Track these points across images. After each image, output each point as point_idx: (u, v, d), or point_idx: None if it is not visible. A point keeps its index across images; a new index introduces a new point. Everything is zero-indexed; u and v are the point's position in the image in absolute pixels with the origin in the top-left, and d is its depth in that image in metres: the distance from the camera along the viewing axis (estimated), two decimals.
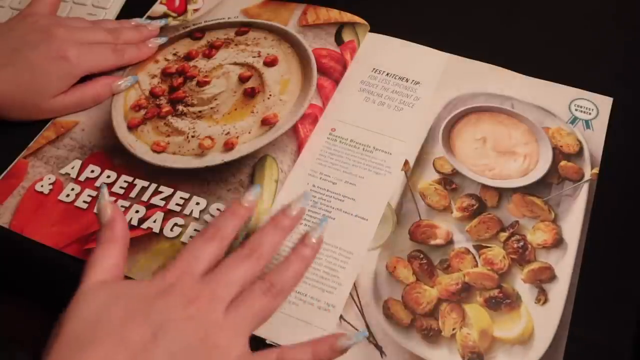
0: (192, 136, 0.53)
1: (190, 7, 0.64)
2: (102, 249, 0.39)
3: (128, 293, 0.36)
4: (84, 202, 0.50)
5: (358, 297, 0.45)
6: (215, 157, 0.51)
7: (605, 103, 0.53)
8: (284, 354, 0.37)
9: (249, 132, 0.52)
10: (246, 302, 0.37)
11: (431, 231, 0.47)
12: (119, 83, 0.57)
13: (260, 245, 0.39)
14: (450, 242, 0.47)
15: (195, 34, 0.61)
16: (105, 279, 0.38)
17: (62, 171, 0.52)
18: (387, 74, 0.56)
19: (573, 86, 0.54)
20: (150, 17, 0.63)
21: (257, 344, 0.43)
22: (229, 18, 0.62)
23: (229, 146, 0.52)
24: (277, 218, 0.42)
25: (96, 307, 0.35)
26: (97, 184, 0.51)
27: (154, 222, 0.48)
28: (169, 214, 0.48)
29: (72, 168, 0.52)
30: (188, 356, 0.34)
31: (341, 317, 0.44)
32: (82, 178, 0.51)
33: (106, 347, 0.33)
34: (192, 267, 0.38)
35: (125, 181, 0.51)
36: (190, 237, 0.46)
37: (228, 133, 0.53)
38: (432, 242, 0.47)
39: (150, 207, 0.49)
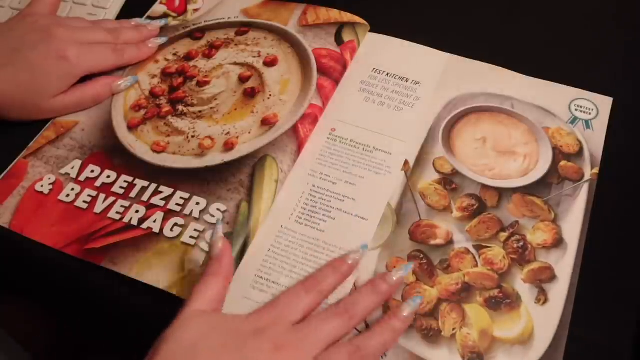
0: (192, 136, 0.53)
1: (190, 7, 0.64)
2: (207, 281, 0.40)
3: (225, 326, 0.38)
4: (84, 202, 0.50)
5: None
6: (215, 157, 0.51)
7: (605, 103, 0.53)
8: None
9: (249, 132, 0.52)
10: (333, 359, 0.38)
11: (431, 231, 0.47)
12: (119, 83, 0.57)
13: (355, 306, 0.40)
14: (450, 242, 0.47)
15: (195, 34, 0.61)
16: (205, 310, 0.39)
17: (62, 171, 0.52)
18: (387, 74, 0.56)
19: (573, 86, 0.54)
20: (150, 17, 0.63)
21: None
22: (229, 18, 0.62)
23: (229, 146, 0.52)
24: (376, 282, 0.42)
25: (194, 335, 0.37)
26: (97, 184, 0.51)
27: (154, 222, 0.48)
28: (169, 214, 0.48)
29: (72, 168, 0.52)
30: None
31: None
32: (82, 178, 0.51)
33: None
34: (287, 315, 0.39)
35: (125, 181, 0.51)
36: (191, 237, 0.46)
37: (228, 133, 0.53)
38: (432, 242, 0.47)
39: (150, 207, 0.49)
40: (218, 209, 0.48)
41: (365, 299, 0.41)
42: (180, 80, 0.57)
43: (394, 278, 0.43)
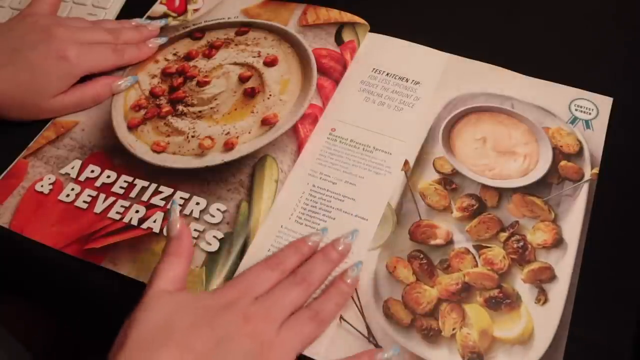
0: (192, 136, 0.53)
1: (190, 7, 0.64)
2: (168, 261, 0.41)
3: (193, 303, 0.39)
4: (84, 202, 0.50)
5: (358, 297, 0.45)
6: (215, 157, 0.51)
7: (605, 103, 0.53)
8: None
9: (249, 132, 0.52)
10: (296, 326, 0.40)
11: (431, 231, 0.47)
12: (119, 83, 0.57)
13: (310, 275, 0.43)
14: (450, 242, 0.47)
15: (195, 34, 0.61)
16: (169, 289, 0.40)
17: (62, 171, 0.52)
18: (387, 74, 0.56)
19: (573, 86, 0.54)
20: (150, 17, 0.63)
21: None
22: (229, 18, 0.62)
23: (229, 146, 0.52)
24: (327, 250, 0.45)
25: (164, 314, 0.38)
26: (97, 184, 0.51)
27: (154, 222, 0.48)
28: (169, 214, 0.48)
29: (72, 168, 0.52)
30: None
31: (341, 317, 0.44)
32: (82, 178, 0.51)
33: (174, 352, 0.36)
34: (252, 289, 0.41)
35: (125, 181, 0.51)
36: (192, 237, 0.46)
37: (228, 133, 0.53)
38: (432, 242, 0.47)
39: (150, 207, 0.49)
40: (218, 209, 0.48)
41: (319, 268, 0.44)
42: (180, 80, 0.57)
43: (341, 247, 0.45)
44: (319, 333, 0.42)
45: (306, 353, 0.42)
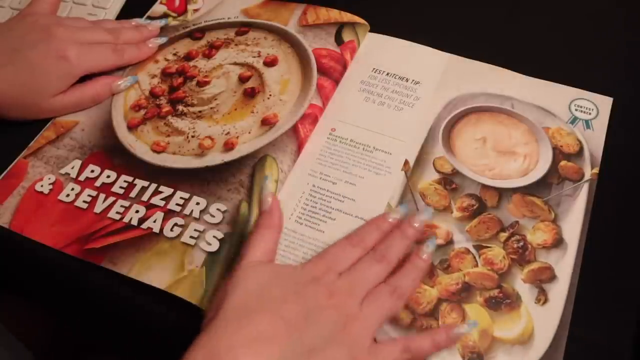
0: (192, 136, 0.53)
1: (190, 7, 0.64)
2: (261, 233, 0.43)
3: (283, 276, 0.42)
4: (84, 202, 0.50)
5: None
6: (215, 157, 0.51)
7: (605, 103, 0.53)
8: (410, 342, 0.41)
9: (249, 132, 0.52)
10: (377, 300, 0.42)
11: (431, 231, 0.47)
12: (119, 83, 0.57)
13: (389, 251, 0.44)
14: (450, 242, 0.47)
15: (195, 34, 0.61)
16: (262, 260, 0.42)
17: (62, 171, 0.52)
18: (387, 74, 0.56)
19: (573, 86, 0.54)
20: (150, 17, 0.63)
21: None
22: (229, 18, 0.62)
23: (229, 146, 0.52)
24: (404, 227, 0.45)
25: (258, 283, 0.40)
26: (97, 183, 0.51)
27: (154, 222, 0.48)
28: (169, 214, 0.48)
29: (72, 168, 0.52)
30: (330, 339, 0.39)
31: None
32: (82, 178, 0.51)
33: (268, 318, 0.38)
34: (336, 265, 0.43)
35: (125, 181, 0.51)
36: (191, 237, 0.46)
37: (228, 133, 0.53)
38: None
39: (150, 207, 0.49)
40: (218, 209, 0.48)
41: (398, 244, 0.44)
42: (180, 80, 0.57)
43: (417, 223, 0.45)
44: (399, 308, 0.43)
45: None
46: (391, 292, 0.42)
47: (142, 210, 0.49)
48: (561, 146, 0.51)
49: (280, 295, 0.40)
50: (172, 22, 0.63)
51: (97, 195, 0.50)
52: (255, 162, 0.50)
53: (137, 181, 0.50)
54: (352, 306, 0.41)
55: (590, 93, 0.54)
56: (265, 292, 0.40)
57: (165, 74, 0.58)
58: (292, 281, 0.41)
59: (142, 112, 0.56)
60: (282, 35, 0.59)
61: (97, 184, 0.51)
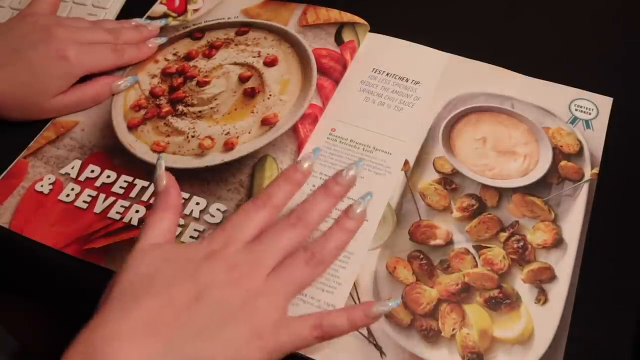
0: (192, 136, 0.53)
1: (190, 7, 0.64)
2: (157, 214, 0.41)
3: (177, 255, 0.38)
4: (84, 202, 0.50)
5: (358, 297, 0.45)
6: (215, 157, 0.51)
7: (605, 103, 0.53)
8: (322, 319, 0.38)
9: (249, 132, 0.52)
10: (287, 270, 0.38)
11: (431, 231, 0.47)
12: (119, 83, 0.57)
13: (308, 213, 0.40)
14: (450, 242, 0.47)
15: (195, 34, 0.61)
16: (158, 242, 0.39)
17: (62, 171, 0.52)
18: (387, 74, 0.56)
19: (573, 86, 0.54)
20: (150, 17, 0.63)
21: None
22: (229, 18, 0.62)
23: (229, 146, 0.52)
24: (329, 185, 0.41)
25: (148, 266, 0.37)
26: (97, 183, 0.51)
27: None
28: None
29: (72, 168, 0.52)
30: (227, 318, 0.36)
31: None
32: (82, 178, 0.51)
33: (155, 302, 0.35)
34: (238, 234, 0.39)
35: (125, 181, 0.51)
36: (191, 237, 0.46)
37: (228, 133, 0.53)
38: (432, 242, 0.47)
39: (150, 207, 0.49)
40: (218, 209, 0.48)
41: (319, 205, 0.41)
42: (180, 80, 0.57)
43: (346, 179, 0.42)
44: (314, 277, 0.39)
45: (303, 353, 0.41)
46: (307, 260, 0.39)
47: (142, 210, 0.49)
48: (561, 146, 0.51)
49: (170, 276, 0.37)
50: (172, 22, 0.63)
51: (97, 195, 0.50)
52: (255, 162, 0.50)
53: (137, 181, 0.50)
54: (256, 279, 0.37)
55: (590, 93, 0.54)
56: (154, 274, 0.37)
57: (165, 74, 0.58)
58: (185, 260, 0.38)
59: (142, 112, 0.56)
60: (282, 35, 0.59)
61: (97, 184, 0.51)
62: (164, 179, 0.42)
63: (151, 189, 0.50)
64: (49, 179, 0.51)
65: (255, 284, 0.37)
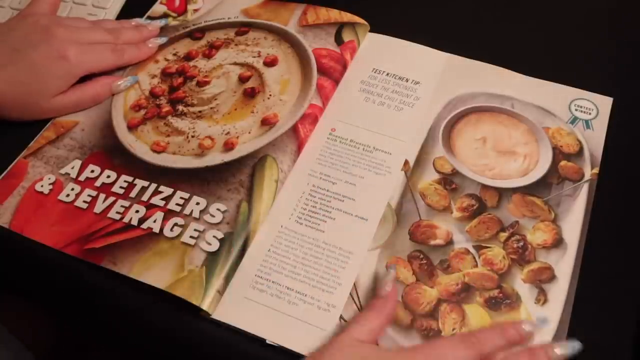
0: (192, 136, 0.53)
1: (190, 7, 0.64)
2: (370, 314, 0.43)
3: (375, 357, 0.40)
4: (84, 202, 0.50)
5: (358, 297, 0.45)
6: (215, 157, 0.51)
7: (605, 103, 0.53)
8: None
9: (249, 132, 0.52)
10: None
11: (431, 231, 0.47)
12: (119, 83, 0.57)
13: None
14: (450, 242, 0.47)
15: (195, 34, 0.61)
16: (362, 339, 0.41)
17: (62, 171, 0.52)
18: (387, 74, 0.56)
19: (573, 86, 0.54)
20: (150, 17, 0.63)
21: (259, 343, 0.43)
22: (229, 18, 0.62)
23: (229, 146, 0.52)
24: (537, 352, 0.40)
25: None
26: (97, 183, 0.51)
27: (154, 222, 0.48)
28: (169, 214, 0.48)
29: (72, 168, 0.52)
30: None
31: (341, 317, 0.44)
32: (82, 178, 0.51)
33: None
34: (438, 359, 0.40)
35: (125, 181, 0.51)
36: (191, 237, 0.46)
37: (228, 133, 0.53)
38: (432, 242, 0.47)
39: (150, 207, 0.49)
40: (218, 209, 0.48)
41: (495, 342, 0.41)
42: (180, 80, 0.57)
43: (557, 353, 0.41)
44: None
45: (304, 352, 0.42)
46: None
47: (142, 210, 0.49)
48: (561, 146, 0.51)
49: None
50: (172, 22, 0.63)
51: (97, 195, 0.50)
52: (255, 162, 0.50)
53: (137, 181, 0.50)
54: None
55: (590, 93, 0.54)
56: None
57: (165, 74, 0.58)
58: None
59: (142, 112, 0.56)
60: (282, 35, 0.59)
61: (97, 184, 0.51)
62: (390, 285, 0.44)
63: (151, 189, 0.50)
64: (49, 179, 0.51)
65: None
